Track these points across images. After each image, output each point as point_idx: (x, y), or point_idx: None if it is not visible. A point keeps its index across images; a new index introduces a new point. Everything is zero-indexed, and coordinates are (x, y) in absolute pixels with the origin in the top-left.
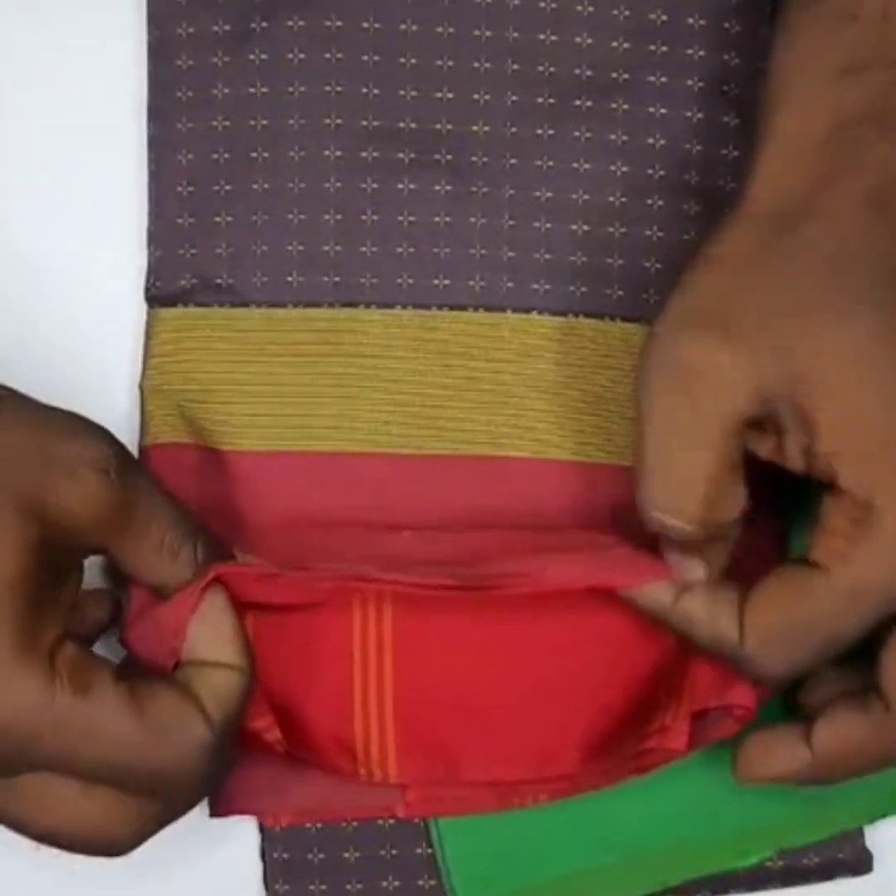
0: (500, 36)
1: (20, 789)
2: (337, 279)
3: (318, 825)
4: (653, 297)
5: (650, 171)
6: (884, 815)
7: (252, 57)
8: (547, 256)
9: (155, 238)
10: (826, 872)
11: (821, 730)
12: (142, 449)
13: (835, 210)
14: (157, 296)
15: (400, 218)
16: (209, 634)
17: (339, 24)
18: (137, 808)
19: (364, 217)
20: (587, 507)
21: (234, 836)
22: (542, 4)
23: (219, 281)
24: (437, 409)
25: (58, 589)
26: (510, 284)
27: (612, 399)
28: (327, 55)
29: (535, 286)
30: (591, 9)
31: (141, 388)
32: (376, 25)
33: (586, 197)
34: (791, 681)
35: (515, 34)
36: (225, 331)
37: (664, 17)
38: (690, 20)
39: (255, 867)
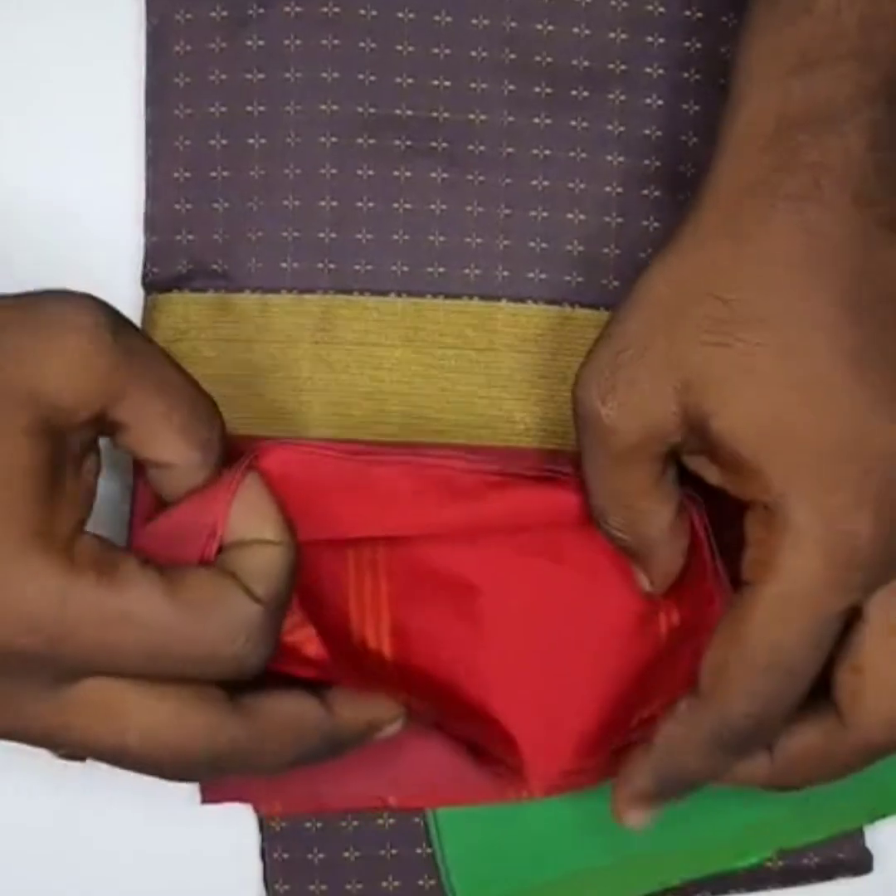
0: (497, 25)
1: (83, 699)
2: (332, 266)
3: (319, 824)
4: None
5: (647, 162)
6: (884, 815)
7: (249, 43)
8: (543, 246)
9: (152, 224)
10: (826, 872)
11: (780, 738)
12: None
13: (756, 229)
14: (155, 282)
15: (395, 205)
16: (247, 514)
17: (336, 10)
18: (211, 716)
19: (359, 204)
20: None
21: (234, 836)
22: None
23: (215, 267)
24: (429, 398)
25: (71, 476)
26: (505, 273)
27: None
28: (324, 42)
29: (531, 275)
30: None
31: None
32: (373, 12)
33: (583, 186)
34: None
35: (513, 23)
36: (219, 316)
37: (662, 9)
38: (687, 12)
39: (255, 867)
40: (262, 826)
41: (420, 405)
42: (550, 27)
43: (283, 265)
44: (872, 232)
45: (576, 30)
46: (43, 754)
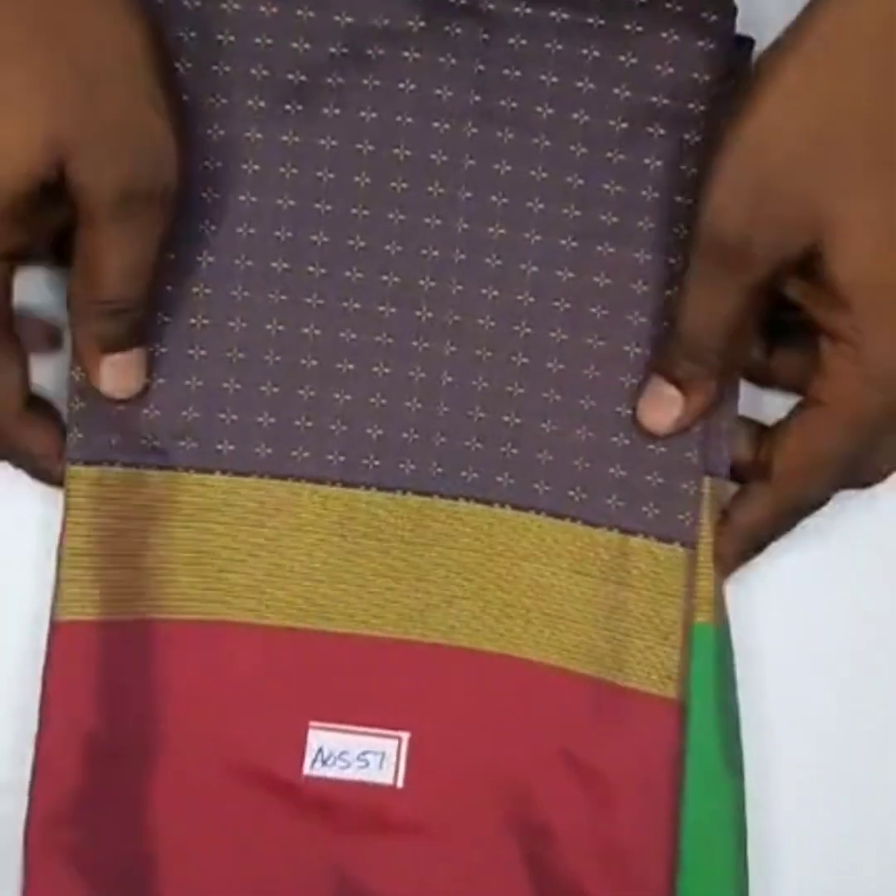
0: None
1: None
2: (269, 451)
3: None
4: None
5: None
6: None
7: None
8: (478, 445)
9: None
10: None
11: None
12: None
13: None
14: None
15: (336, 396)
16: None
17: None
18: None
19: (301, 392)
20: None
21: None
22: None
23: (143, 442)
24: (361, 589)
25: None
26: (439, 470)
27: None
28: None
29: (464, 474)
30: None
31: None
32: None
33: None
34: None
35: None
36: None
37: (658, 163)
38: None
39: None
40: None
41: (354, 595)
42: (505, 200)
43: (220, 448)
44: None
45: (529, 204)
46: None
